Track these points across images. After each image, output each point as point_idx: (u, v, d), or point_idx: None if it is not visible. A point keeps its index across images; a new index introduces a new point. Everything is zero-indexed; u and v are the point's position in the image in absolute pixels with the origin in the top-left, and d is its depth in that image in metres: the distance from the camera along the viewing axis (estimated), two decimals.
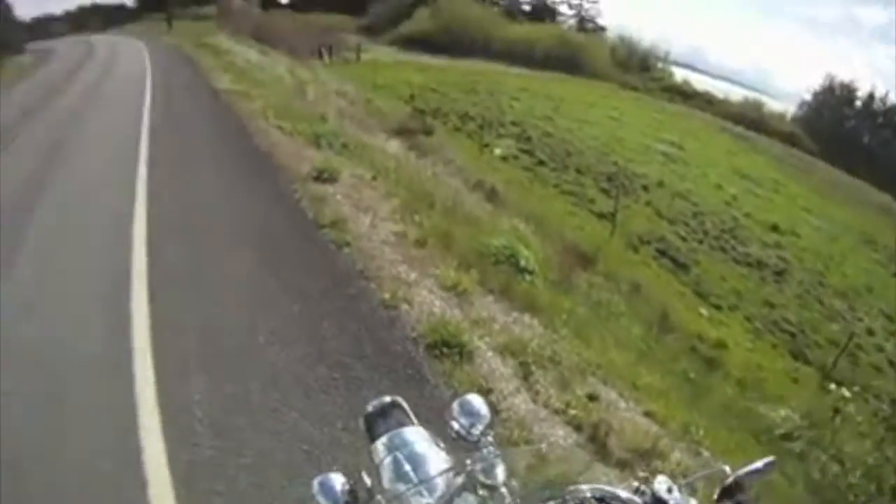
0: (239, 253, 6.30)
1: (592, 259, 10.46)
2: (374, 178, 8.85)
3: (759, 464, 1.10)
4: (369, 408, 1.71)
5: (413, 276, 5.61)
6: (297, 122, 11.97)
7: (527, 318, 5.41)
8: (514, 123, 21.98)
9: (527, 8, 53.87)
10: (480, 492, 1.23)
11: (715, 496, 1.07)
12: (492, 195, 12.95)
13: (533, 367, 4.51)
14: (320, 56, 30.38)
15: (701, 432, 4.62)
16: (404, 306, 5.05)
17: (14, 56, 33.83)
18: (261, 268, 5.90)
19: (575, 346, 5.22)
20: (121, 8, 56.82)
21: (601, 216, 15.58)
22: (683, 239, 16.57)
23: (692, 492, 1.11)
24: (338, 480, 1.39)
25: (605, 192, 17.18)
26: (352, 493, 1.39)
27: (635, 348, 7.13)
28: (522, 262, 6.90)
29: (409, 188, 8.80)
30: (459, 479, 1.28)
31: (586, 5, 54.44)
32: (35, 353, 4.29)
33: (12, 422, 3.48)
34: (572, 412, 4.09)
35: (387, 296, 5.20)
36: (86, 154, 10.75)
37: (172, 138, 11.72)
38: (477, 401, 1.44)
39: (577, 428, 3.98)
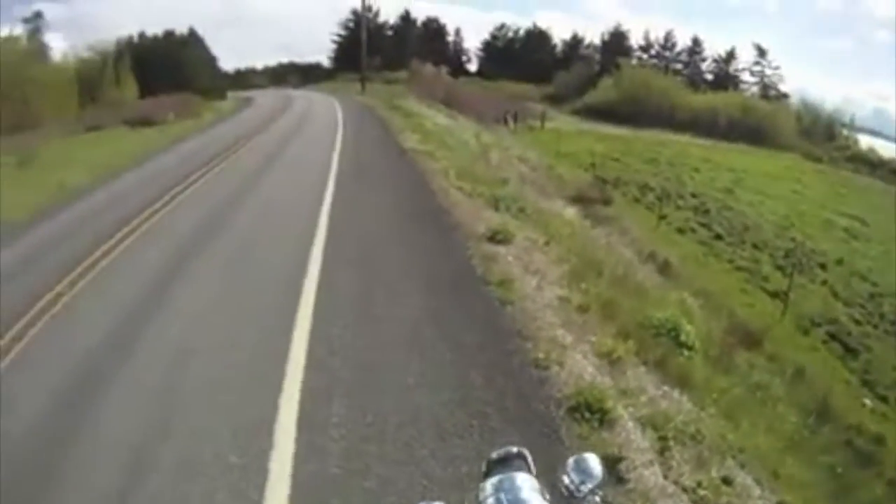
0: (405, 297, 6.94)
1: (759, 339, 10.18)
2: (546, 244, 9.22)
3: None
4: (493, 454, 1.61)
5: (569, 339, 5.87)
6: (478, 184, 12.55)
7: (677, 393, 5.49)
8: (693, 195, 21.67)
9: (709, 77, 53.54)
10: None
11: None
12: (664, 268, 12.96)
13: (672, 443, 4.59)
14: (505, 122, 31.53)
15: None
16: (555, 367, 5.29)
17: (217, 101, 39.66)
18: (423, 312, 6.47)
19: (721, 427, 5.24)
20: (317, 67, 60.91)
21: (774, 295, 14.95)
22: (857, 322, 15.40)
23: None
24: None
25: (780, 269, 16.49)
26: None
27: (786, 436, 6.91)
28: (683, 337, 6.98)
29: (580, 255, 9.08)
30: None
31: (768, 72, 53.45)
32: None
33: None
34: (702, 492, 4.15)
35: (540, 356, 5.45)
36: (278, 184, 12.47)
37: (357, 184, 13.11)
38: (592, 460, 1.44)
39: None
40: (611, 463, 4.08)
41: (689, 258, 15.37)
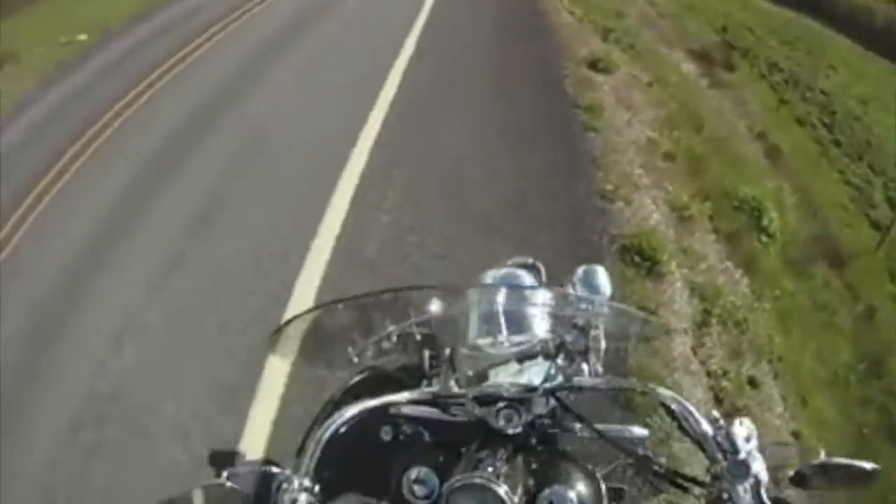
0: (488, 104, 6.46)
1: (844, 261, 9.26)
2: (649, 84, 8.40)
3: (860, 463, 0.95)
4: (508, 261, 1.60)
5: (645, 181, 5.32)
6: (591, 11, 11.48)
7: (739, 274, 4.94)
8: (823, 92, 19.59)
9: None
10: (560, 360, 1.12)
11: (791, 472, 0.96)
12: (771, 151, 11.89)
13: (714, 320, 4.12)
14: None
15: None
16: (620, 203, 4.83)
17: None
18: (498, 128, 6.00)
19: (770, 327, 4.72)
20: None
21: (875, 225, 13.60)
22: None
23: (768, 455, 0.95)
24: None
25: (891, 201, 14.92)
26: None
27: (831, 370, 6.23)
28: (765, 221, 6.25)
29: (683, 106, 8.26)
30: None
31: None
32: None
33: None
34: (724, 383, 3.72)
35: (609, 187, 4.99)
36: None
37: None
38: (602, 274, 1.40)
39: (717, 400, 3.62)
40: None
41: (800, 152, 13.99)
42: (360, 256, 4.24)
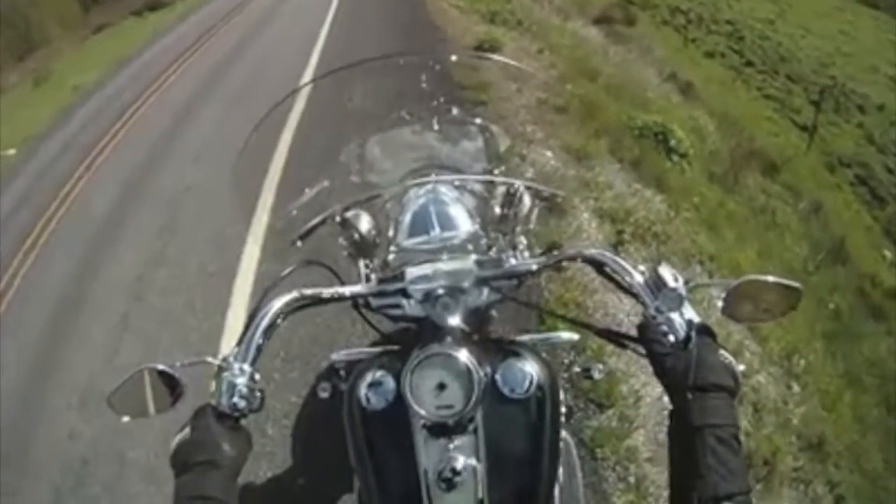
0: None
1: (777, 167, 9.35)
2: (539, 52, 8.51)
3: (784, 280, 0.99)
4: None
5: (539, 135, 5.32)
6: (476, 2, 11.68)
7: (650, 193, 4.96)
8: (728, 22, 19.96)
9: None
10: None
11: (720, 300, 0.99)
12: (686, 89, 12.02)
13: (628, 237, 4.14)
14: None
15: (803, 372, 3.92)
16: (515, 159, 4.81)
17: None
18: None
19: (694, 233, 4.72)
20: None
21: (804, 129, 13.77)
22: (890, 171, 14.09)
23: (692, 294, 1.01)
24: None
25: (815, 104, 15.09)
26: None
27: (786, 265, 6.19)
28: (673, 143, 6.29)
29: (576, 64, 8.35)
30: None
31: None
32: None
33: None
34: None
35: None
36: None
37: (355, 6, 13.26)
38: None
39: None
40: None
41: (715, 81, 14.17)
42: None
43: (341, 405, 1.10)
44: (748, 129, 11.11)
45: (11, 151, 11.87)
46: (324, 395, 1.20)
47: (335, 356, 1.21)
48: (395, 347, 1.11)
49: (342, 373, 1.19)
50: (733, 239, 5.42)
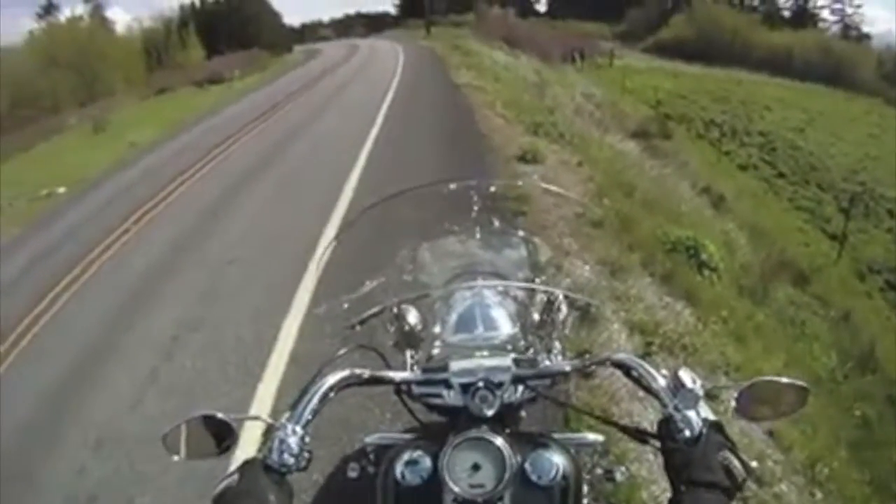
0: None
1: (807, 278, 9.57)
2: (578, 164, 9.01)
3: (791, 380, 1.11)
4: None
5: (575, 247, 5.71)
6: (523, 113, 12.42)
7: (680, 306, 5.23)
8: (761, 133, 20.59)
9: (786, 14, 50.04)
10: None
11: (733, 401, 1.10)
12: (718, 201, 12.43)
13: (656, 348, 4.39)
14: (573, 61, 30.63)
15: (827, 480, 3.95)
16: (551, 270, 5.11)
17: (283, 55, 42.14)
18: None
19: (722, 345, 4.91)
20: (384, 15, 60.84)
21: (833, 237, 14.03)
22: None
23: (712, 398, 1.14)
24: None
25: (844, 212, 15.39)
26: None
27: (814, 375, 6.34)
28: (704, 257, 6.62)
29: (613, 177, 8.80)
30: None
31: (849, 11, 49.63)
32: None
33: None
34: None
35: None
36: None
37: (407, 111, 14.33)
38: None
39: None
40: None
41: (747, 194, 14.59)
42: None
43: (368, 487, 1.20)
44: (779, 240, 11.40)
45: (62, 189, 12.79)
46: (352, 474, 1.26)
47: (368, 439, 1.31)
48: (431, 433, 1.22)
49: (371, 456, 1.26)
50: (760, 350, 5.59)
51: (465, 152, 9.60)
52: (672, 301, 5.29)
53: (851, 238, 13.55)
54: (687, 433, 1.05)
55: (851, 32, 48.64)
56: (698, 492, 0.98)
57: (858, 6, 49.49)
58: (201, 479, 3.20)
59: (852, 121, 25.05)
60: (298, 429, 1.07)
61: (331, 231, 6.87)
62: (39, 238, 9.95)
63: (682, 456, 1.03)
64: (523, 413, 1.35)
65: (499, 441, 1.08)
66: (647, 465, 3.38)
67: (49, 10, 40.06)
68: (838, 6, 49.85)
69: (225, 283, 6.56)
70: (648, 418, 3.73)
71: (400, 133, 12.22)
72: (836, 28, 49.54)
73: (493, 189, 1.99)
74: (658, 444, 1.10)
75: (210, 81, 28.17)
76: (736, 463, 1.01)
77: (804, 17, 48.89)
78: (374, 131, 12.37)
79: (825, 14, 50.69)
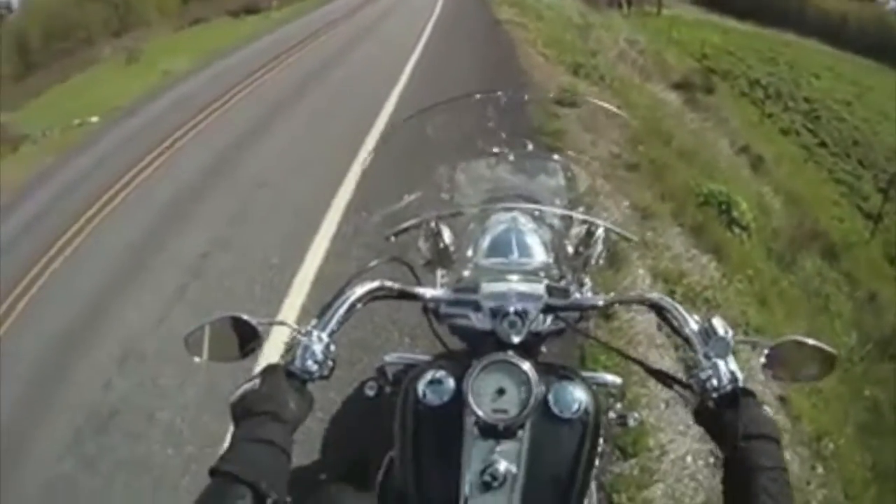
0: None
1: (836, 253, 9.34)
2: (617, 108, 8.76)
3: (823, 345, 1.10)
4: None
5: (607, 188, 5.57)
6: (564, 53, 12.13)
7: (706, 259, 5.12)
8: (806, 100, 19.92)
9: None
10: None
11: (763, 356, 1.10)
12: (756, 163, 12.13)
13: (679, 298, 4.25)
14: (619, 6, 29.73)
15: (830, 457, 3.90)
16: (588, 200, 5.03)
17: None
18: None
19: (745, 304, 4.82)
20: None
21: (868, 216, 13.66)
22: None
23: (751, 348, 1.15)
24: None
25: (883, 192, 14.96)
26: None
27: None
28: (736, 214, 6.43)
29: (652, 125, 8.59)
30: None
31: None
32: None
33: None
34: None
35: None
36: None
37: (446, 44, 14.10)
38: None
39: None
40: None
41: (786, 159, 14.17)
42: None
43: (385, 406, 1.19)
44: (813, 210, 11.12)
45: (95, 119, 12.79)
46: (370, 392, 1.25)
47: (388, 357, 1.31)
48: (454, 355, 1.21)
49: (390, 375, 1.26)
50: (782, 316, 5.49)
51: (507, 86, 9.34)
52: (699, 253, 5.19)
53: (886, 220, 13.17)
54: (715, 381, 1.03)
55: None
56: (759, 443, 0.97)
57: None
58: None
59: None
60: (324, 336, 1.07)
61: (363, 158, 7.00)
62: (70, 166, 10.23)
63: (726, 411, 1.02)
64: (544, 348, 1.31)
65: (526, 367, 1.07)
66: (657, 412, 3.34)
67: None
68: None
69: (256, 206, 6.69)
70: (665, 366, 3.67)
71: (438, 65, 11.99)
72: (895, 3, 47.31)
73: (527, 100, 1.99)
74: (686, 391, 1.10)
75: (247, 11, 27.26)
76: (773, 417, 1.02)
77: None
78: (411, 64, 12.20)
79: None
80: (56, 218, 7.87)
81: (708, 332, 1.07)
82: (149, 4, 29.24)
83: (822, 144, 17.17)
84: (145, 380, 4.16)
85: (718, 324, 1.07)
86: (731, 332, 1.06)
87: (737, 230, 6.37)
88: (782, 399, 4.07)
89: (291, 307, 4.50)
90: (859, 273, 9.57)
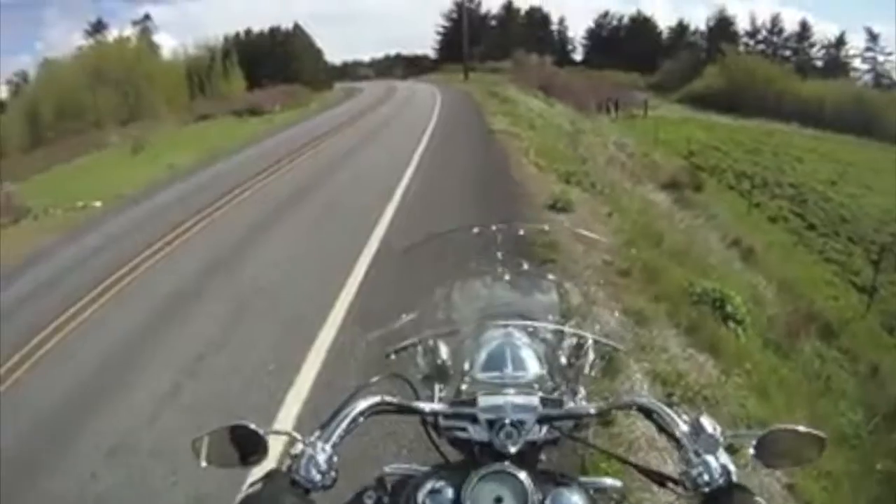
0: None
1: (834, 332, 9.58)
2: (608, 215, 9.21)
3: (810, 429, 1.14)
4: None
5: (601, 296, 5.83)
6: (555, 162, 12.72)
7: (703, 358, 5.33)
8: (792, 185, 20.64)
9: (818, 63, 49.53)
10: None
11: (752, 451, 1.13)
12: (747, 254, 12.51)
13: (677, 399, 4.46)
14: (607, 111, 31.07)
15: None
16: (576, 318, 5.22)
17: (324, 91, 42.99)
18: None
19: (744, 398, 4.98)
20: (422, 58, 60.40)
21: (863, 290, 13.96)
22: None
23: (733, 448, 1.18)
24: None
25: (874, 264, 15.31)
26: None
27: (838, 431, 6.24)
28: (730, 309, 6.71)
29: (642, 228, 8.99)
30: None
31: (881, 59, 48.67)
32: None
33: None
34: None
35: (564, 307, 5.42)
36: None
37: (442, 155, 14.57)
38: None
39: None
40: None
41: (776, 246, 14.61)
42: None
43: None
44: (807, 293, 11.41)
45: (98, 203, 13.42)
46: (369, 503, 1.25)
47: (388, 468, 1.31)
48: (453, 466, 1.25)
49: (389, 486, 1.27)
50: (782, 404, 5.65)
51: (498, 196, 9.93)
52: (695, 352, 5.39)
53: (881, 290, 13.47)
54: (706, 477, 1.06)
55: (884, 81, 48.24)
56: None
57: (890, 54, 49.11)
58: None
59: (883, 171, 24.74)
60: (328, 447, 1.10)
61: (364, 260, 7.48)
62: (69, 249, 10.64)
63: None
64: (543, 456, 1.34)
65: (522, 476, 1.10)
66: None
67: (98, 28, 40.73)
68: (870, 55, 49.50)
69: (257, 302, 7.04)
70: (667, 470, 3.84)
71: (434, 176, 12.49)
72: (868, 77, 49.27)
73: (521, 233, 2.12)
74: (680, 488, 1.12)
75: (250, 112, 28.94)
76: None
77: (836, 67, 48.77)
78: (409, 173, 12.73)
79: (857, 63, 50.32)
80: (46, 301, 8.06)
81: (696, 430, 1.10)
82: (158, 97, 30.61)
83: (811, 227, 17.68)
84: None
85: (706, 421, 1.10)
86: (719, 429, 1.09)
87: (732, 325, 6.62)
88: (790, 487, 4.19)
89: None
90: (859, 348, 9.77)
